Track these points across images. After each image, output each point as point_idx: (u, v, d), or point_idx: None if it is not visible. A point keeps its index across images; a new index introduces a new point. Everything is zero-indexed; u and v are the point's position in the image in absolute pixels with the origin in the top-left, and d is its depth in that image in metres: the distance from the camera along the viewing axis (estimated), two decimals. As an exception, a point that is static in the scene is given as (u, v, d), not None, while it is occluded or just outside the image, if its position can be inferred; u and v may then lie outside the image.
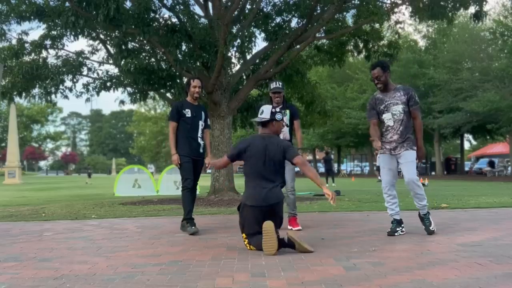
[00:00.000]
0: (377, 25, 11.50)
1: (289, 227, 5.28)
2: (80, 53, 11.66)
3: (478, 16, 10.15)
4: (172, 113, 5.29)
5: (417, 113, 4.73)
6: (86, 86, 11.93)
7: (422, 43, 32.48)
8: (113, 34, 10.95)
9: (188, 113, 5.23)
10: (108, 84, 11.83)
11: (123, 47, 10.61)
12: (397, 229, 4.72)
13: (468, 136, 40.26)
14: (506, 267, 3.17)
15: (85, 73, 11.75)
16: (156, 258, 3.73)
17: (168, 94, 12.19)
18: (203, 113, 5.38)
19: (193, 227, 5.09)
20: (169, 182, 14.41)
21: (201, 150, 5.32)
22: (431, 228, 4.71)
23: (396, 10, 10.99)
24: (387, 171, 4.78)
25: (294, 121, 5.48)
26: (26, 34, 10.97)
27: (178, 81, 11.25)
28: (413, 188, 4.64)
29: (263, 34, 11.64)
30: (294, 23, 11.84)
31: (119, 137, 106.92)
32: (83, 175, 63.09)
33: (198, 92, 5.33)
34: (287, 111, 5.42)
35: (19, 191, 18.92)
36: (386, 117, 4.76)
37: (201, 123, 5.33)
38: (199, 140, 5.28)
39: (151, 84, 11.06)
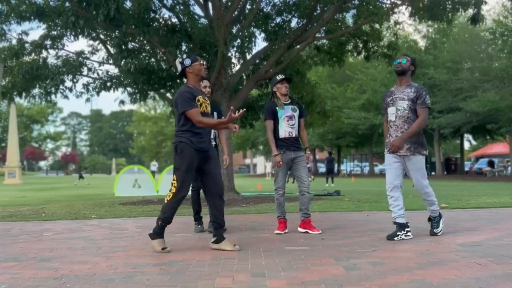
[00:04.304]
0: (377, 26, 11.51)
1: (307, 231, 4.98)
2: (80, 53, 11.67)
3: (476, 19, 10.12)
4: None
5: (423, 112, 4.42)
6: (86, 86, 11.95)
7: (422, 43, 32.47)
8: (113, 34, 10.96)
9: None
10: (108, 84, 11.84)
11: (123, 47, 10.63)
12: (398, 233, 4.45)
13: (468, 136, 40.25)
14: (506, 267, 3.17)
15: (85, 73, 11.76)
16: (156, 258, 3.73)
17: (168, 94, 12.19)
18: (215, 113, 5.34)
19: (199, 226, 5.34)
20: (169, 182, 14.38)
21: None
22: (435, 230, 4.63)
23: (396, 10, 10.99)
24: (391, 171, 4.59)
25: (300, 119, 5.18)
26: (26, 34, 10.98)
27: (178, 81, 11.25)
28: (422, 194, 4.59)
29: (263, 34, 11.63)
30: (294, 23, 11.84)
31: (119, 137, 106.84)
32: (74, 175, 62.18)
33: (209, 92, 5.29)
34: (297, 107, 5.16)
35: (19, 191, 18.92)
36: (390, 111, 4.58)
37: None
38: (211, 141, 5.21)
39: (151, 84, 11.06)
